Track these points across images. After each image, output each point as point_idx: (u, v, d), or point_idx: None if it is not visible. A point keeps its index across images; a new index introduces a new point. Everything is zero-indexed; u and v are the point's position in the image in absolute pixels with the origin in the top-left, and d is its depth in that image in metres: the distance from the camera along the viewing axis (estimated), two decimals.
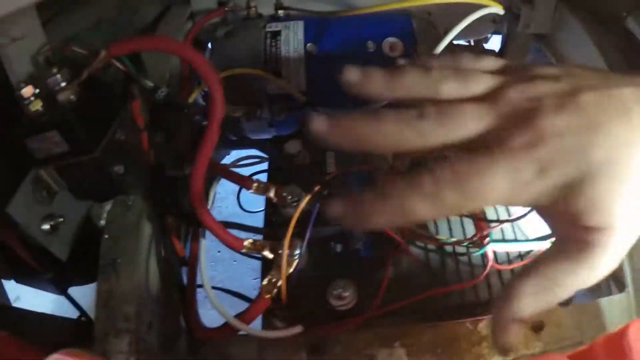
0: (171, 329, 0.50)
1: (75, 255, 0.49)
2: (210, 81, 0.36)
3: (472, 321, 0.53)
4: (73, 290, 0.51)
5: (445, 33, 0.54)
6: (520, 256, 0.43)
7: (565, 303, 0.56)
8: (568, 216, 0.22)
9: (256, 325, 0.49)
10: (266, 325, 0.49)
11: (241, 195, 0.58)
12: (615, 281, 0.64)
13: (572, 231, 0.23)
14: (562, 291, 0.24)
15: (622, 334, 0.27)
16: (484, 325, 0.53)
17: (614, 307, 0.57)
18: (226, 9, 0.58)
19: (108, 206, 0.47)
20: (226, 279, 1.18)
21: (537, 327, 0.53)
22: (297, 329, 0.38)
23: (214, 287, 0.53)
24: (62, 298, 0.51)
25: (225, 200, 1.29)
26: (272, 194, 0.42)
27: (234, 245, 0.40)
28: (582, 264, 0.23)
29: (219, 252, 1.21)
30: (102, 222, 0.47)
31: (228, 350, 0.50)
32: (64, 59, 0.43)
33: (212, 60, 0.55)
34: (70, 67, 0.38)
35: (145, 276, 0.48)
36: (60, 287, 0.52)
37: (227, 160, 0.52)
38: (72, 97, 0.37)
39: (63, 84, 0.36)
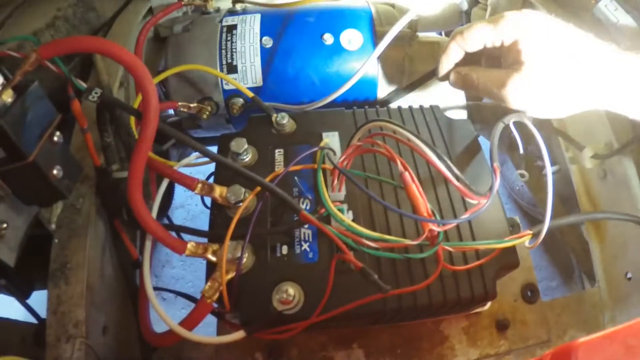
0: (128, 333, 0.49)
1: (32, 260, 0.48)
2: (141, 82, 0.35)
3: (434, 321, 0.52)
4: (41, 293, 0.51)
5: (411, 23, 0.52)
6: (477, 255, 0.41)
7: (532, 300, 0.54)
8: None
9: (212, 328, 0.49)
10: (221, 328, 0.49)
11: None
12: (587, 275, 0.63)
13: None
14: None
15: (566, 352, 0.23)
16: (446, 325, 0.52)
17: (583, 304, 0.56)
18: (183, 2, 0.56)
19: (58, 210, 0.47)
20: (196, 278, 1.16)
21: (502, 326, 0.52)
22: (240, 335, 0.37)
23: (168, 290, 0.52)
24: (37, 301, 0.50)
25: (195, 198, 1.28)
26: (216, 194, 0.40)
27: (177, 249, 0.38)
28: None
29: None
30: (53, 227, 0.46)
31: (184, 353, 0.50)
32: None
33: (168, 55, 0.53)
34: (8, 70, 0.37)
35: (100, 280, 0.47)
36: (20, 292, 0.51)
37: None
38: (8, 100, 0.36)
39: None
